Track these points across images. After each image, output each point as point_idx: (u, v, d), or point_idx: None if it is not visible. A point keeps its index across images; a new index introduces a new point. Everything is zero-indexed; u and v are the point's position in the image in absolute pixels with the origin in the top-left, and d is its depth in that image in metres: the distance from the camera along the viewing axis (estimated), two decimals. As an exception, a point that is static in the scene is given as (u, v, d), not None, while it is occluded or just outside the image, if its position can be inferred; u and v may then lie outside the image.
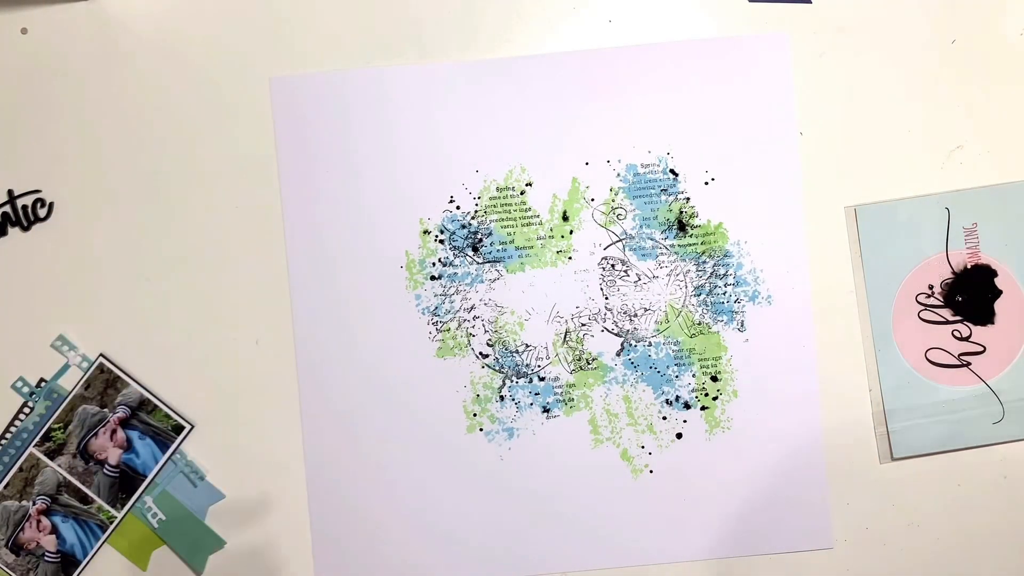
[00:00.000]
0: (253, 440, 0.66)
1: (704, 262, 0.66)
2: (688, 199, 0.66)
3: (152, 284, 0.65)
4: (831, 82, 0.65)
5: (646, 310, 0.66)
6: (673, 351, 0.66)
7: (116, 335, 0.65)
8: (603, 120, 0.65)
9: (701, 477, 0.66)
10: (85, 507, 0.65)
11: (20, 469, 0.65)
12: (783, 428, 0.66)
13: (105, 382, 0.65)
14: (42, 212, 0.65)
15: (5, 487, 0.65)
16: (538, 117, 0.65)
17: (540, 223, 0.66)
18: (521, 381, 0.66)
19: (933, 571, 0.67)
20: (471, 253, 0.66)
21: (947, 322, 0.66)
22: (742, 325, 0.66)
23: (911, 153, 0.66)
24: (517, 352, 0.66)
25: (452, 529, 0.66)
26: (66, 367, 0.65)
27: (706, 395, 0.66)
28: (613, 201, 0.66)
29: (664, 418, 0.66)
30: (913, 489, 0.66)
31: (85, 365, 0.65)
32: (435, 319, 0.66)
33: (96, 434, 0.65)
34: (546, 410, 0.66)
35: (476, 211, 0.66)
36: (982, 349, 0.66)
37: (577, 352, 0.66)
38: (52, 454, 0.65)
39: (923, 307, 0.66)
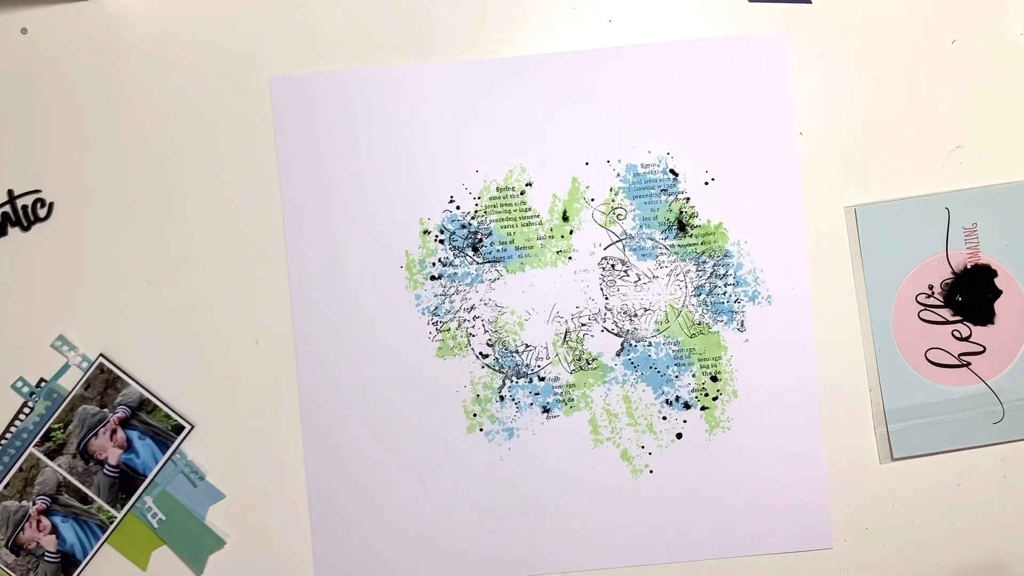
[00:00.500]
0: (253, 440, 0.66)
1: (704, 262, 0.66)
2: (688, 199, 0.66)
3: (152, 284, 0.65)
4: (831, 82, 0.65)
5: (646, 310, 0.66)
6: (673, 351, 0.66)
7: (116, 335, 0.65)
8: (603, 120, 0.65)
9: (701, 477, 0.66)
10: (85, 507, 0.65)
11: (20, 469, 0.65)
12: (783, 428, 0.66)
13: (105, 382, 0.65)
14: (42, 212, 0.65)
15: (5, 487, 0.65)
16: (538, 117, 0.65)
17: (540, 223, 0.66)
18: (521, 381, 0.66)
19: (933, 571, 0.67)
20: (471, 253, 0.66)
21: (947, 322, 0.66)
22: (742, 325, 0.66)
23: (911, 153, 0.66)
24: (517, 352, 0.66)
25: (452, 529, 0.66)
26: (66, 367, 0.65)
27: (706, 395, 0.66)
28: (613, 201, 0.66)
29: (664, 418, 0.66)
30: (913, 489, 0.66)
31: (85, 365, 0.65)
32: (435, 319, 0.66)
33: (96, 434, 0.65)
34: (546, 410, 0.66)
35: (476, 211, 0.66)
36: (982, 349, 0.66)
37: (577, 352, 0.66)
38: (52, 454, 0.65)
39: (923, 307, 0.66)
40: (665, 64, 0.65)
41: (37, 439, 0.65)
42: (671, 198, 0.66)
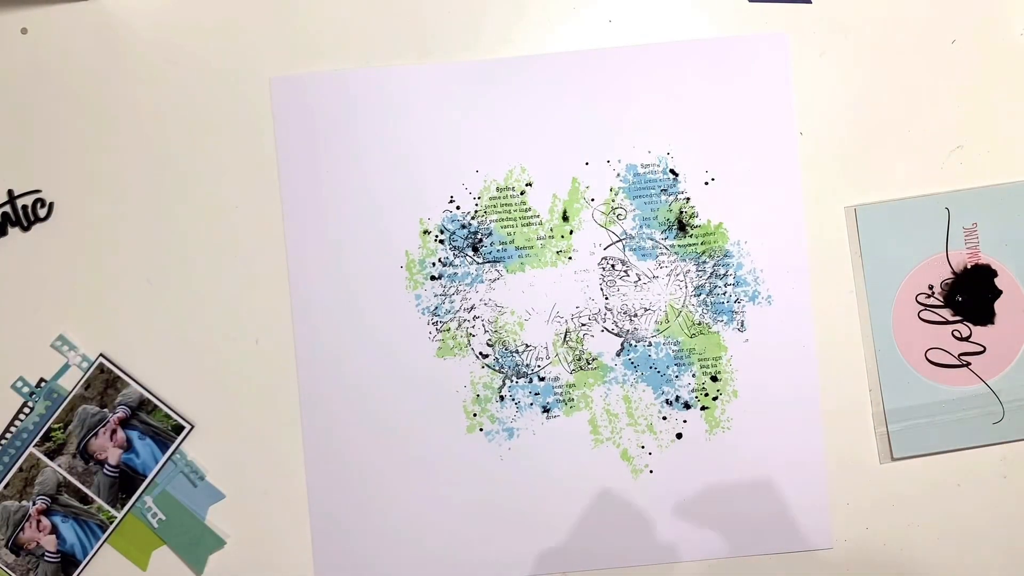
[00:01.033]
0: (253, 440, 0.66)
1: (704, 262, 0.66)
2: (688, 199, 0.66)
3: (152, 284, 0.65)
4: (831, 82, 0.65)
5: (646, 310, 0.66)
6: (673, 351, 0.66)
7: (116, 335, 0.65)
8: (603, 120, 0.65)
9: (701, 477, 0.66)
10: (85, 507, 0.65)
11: (20, 469, 0.65)
12: (783, 428, 0.66)
13: (105, 382, 0.65)
14: (42, 212, 0.65)
15: (5, 487, 0.65)
16: (538, 117, 0.65)
17: (540, 223, 0.66)
18: (521, 381, 0.66)
19: (933, 572, 0.67)
20: (471, 253, 0.66)
21: (947, 322, 0.66)
22: (742, 325, 0.66)
23: (911, 153, 0.66)
24: (517, 352, 0.66)
25: (452, 529, 0.66)
26: (66, 367, 0.65)
27: (706, 395, 0.66)
28: (613, 201, 0.66)
29: (664, 418, 0.66)
30: (913, 489, 0.66)
31: (85, 365, 0.65)
32: (435, 319, 0.66)
33: (96, 434, 0.65)
34: (546, 410, 0.66)
35: (476, 211, 0.66)
36: (982, 349, 0.66)
37: (577, 352, 0.66)
38: (52, 454, 0.65)
39: (923, 307, 0.66)
40: (665, 64, 0.65)
41: (37, 439, 0.65)
42: (671, 198, 0.66)
